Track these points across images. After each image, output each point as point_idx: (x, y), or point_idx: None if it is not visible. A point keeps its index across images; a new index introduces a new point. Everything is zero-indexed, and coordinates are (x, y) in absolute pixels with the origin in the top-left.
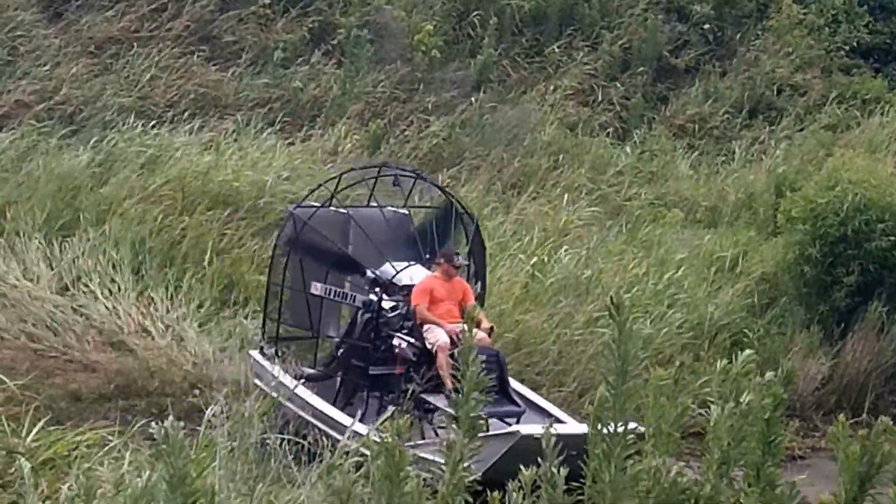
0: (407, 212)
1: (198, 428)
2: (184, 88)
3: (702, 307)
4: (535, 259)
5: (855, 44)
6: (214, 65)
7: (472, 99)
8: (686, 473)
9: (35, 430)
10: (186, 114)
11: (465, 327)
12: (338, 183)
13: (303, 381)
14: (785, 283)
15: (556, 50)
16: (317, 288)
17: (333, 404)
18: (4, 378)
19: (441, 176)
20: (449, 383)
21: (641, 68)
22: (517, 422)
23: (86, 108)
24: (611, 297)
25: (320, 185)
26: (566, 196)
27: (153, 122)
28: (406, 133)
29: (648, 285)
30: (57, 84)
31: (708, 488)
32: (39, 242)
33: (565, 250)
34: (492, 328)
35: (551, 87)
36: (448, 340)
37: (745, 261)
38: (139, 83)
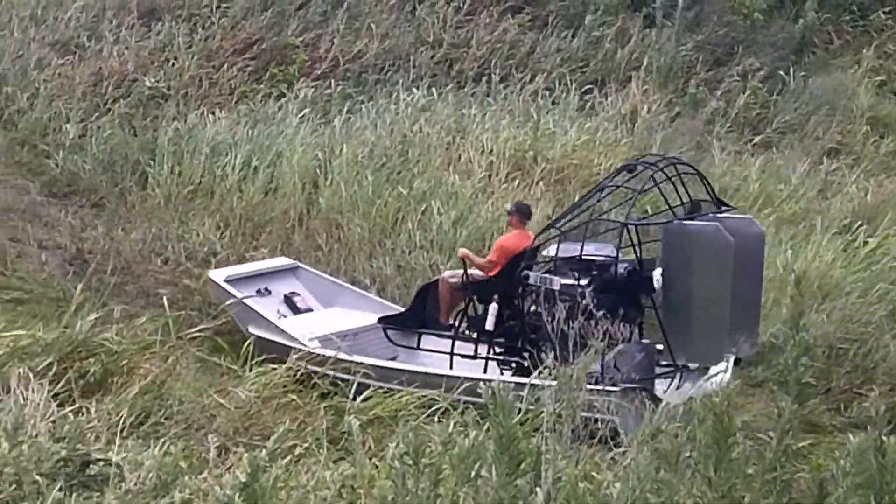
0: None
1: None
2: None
3: None
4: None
5: None
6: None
7: (793, 62)
8: None
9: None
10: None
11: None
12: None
13: None
14: None
15: (882, 15)
16: None
17: None
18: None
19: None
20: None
21: None
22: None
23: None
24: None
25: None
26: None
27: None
28: (725, 96)
29: None
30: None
31: None
32: None
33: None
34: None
35: (874, 53)
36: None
37: None
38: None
